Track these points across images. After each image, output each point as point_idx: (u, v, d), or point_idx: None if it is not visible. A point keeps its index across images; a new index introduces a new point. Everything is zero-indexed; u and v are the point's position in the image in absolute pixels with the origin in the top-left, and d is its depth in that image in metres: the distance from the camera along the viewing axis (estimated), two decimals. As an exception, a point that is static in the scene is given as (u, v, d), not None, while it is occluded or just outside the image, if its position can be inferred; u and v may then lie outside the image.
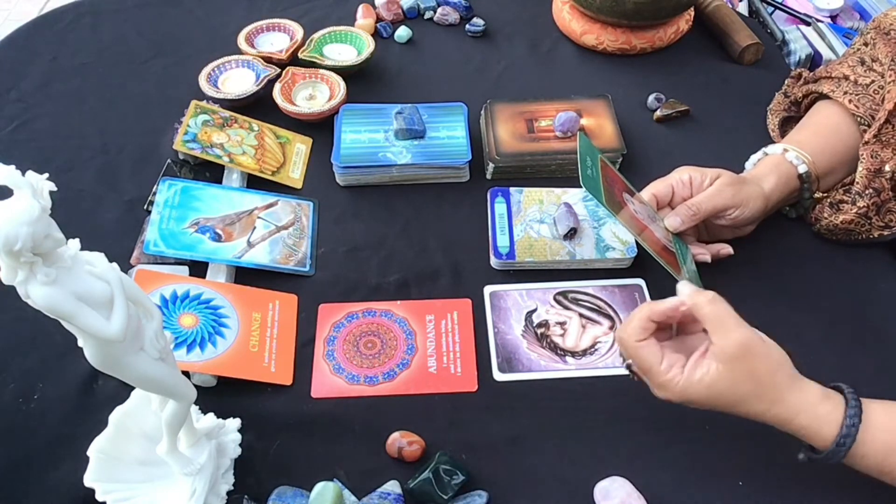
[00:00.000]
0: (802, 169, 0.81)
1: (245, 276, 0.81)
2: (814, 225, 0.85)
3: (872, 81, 0.84)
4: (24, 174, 0.43)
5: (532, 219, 0.85)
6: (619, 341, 0.63)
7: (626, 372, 0.65)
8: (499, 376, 0.74)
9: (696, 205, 0.76)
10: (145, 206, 0.86)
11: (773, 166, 0.81)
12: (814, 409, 0.59)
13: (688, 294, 0.60)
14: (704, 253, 0.79)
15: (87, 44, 1.11)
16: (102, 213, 0.87)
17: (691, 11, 1.12)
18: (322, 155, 0.94)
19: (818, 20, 1.21)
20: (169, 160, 0.90)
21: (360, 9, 1.14)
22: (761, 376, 0.58)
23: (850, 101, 0.84)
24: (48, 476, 0.65)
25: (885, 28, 0.86)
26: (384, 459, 0.67)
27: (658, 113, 1.00)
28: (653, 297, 0.80)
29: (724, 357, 0.58)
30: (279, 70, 1.00)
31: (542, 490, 0.66)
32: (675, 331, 0.64)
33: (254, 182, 0.90)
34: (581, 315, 0.79)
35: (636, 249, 0.81)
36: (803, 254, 0.84)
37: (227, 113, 0.95)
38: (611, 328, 0.78)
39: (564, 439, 0.69)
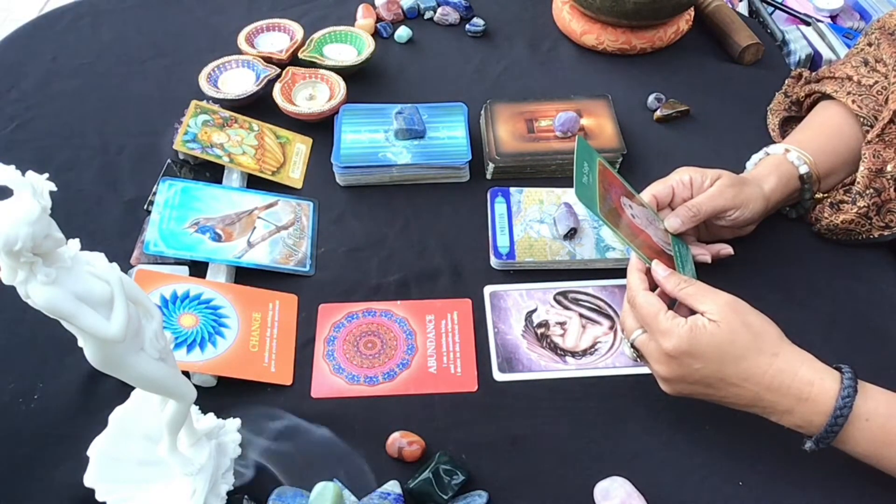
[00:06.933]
0: (804, 169, 0.81)
1: (245, 276, 0.81)
2: (814, 225, 0.85)
3: (876, 82, 0.84)
4: (24, 174, 0.43)
5: (532, 219, 0.85)
6: (628, 301, 0.67)
7: (631, 358, 0.69)
8: (499, 376, 0.74)
9: (697, 206, 0.76)
10: (145, 206, 0.86)
11: (773, 167, 0.81)
12: (813, 362, 0.61)
13: (663, 277, 0.66)
14: (705, 253, 0.79)
15: (87, 44, 1.11)
16: (102, 213, 0.87)
17: (691, 11, 1.12)
18: (322, 155, 0.94)
19: (818, 20, 1.21)
20: (169, 160, 0.90)
21: (360, 9, 1.14)
22: (756, 327, 0.62)
23: (853, 101, 0.84)
24: (48, 476, 0.65)
25: (890, 28, 0.86)
26: (384, 459, 0.67)
27: (658, 113, 0.99)
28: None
29: (717, 315, 0.62)
30: (279, 70, 1.00)
31: (542, 490, 0.66)
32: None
33: (254, 182, 0.90)
34: (581, 315, 0.79)
35: (636, 249, 0.81)
36: (803, 254, 0.84)
37: (227, 113, 0.95)
38: (611, 328, 0.78)
39: (564, 439, 0.69)
